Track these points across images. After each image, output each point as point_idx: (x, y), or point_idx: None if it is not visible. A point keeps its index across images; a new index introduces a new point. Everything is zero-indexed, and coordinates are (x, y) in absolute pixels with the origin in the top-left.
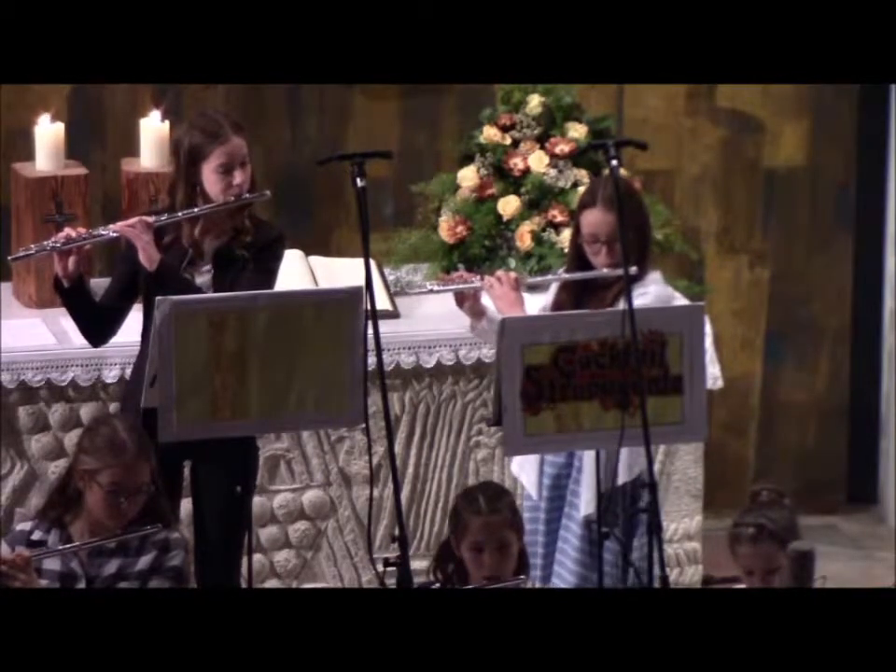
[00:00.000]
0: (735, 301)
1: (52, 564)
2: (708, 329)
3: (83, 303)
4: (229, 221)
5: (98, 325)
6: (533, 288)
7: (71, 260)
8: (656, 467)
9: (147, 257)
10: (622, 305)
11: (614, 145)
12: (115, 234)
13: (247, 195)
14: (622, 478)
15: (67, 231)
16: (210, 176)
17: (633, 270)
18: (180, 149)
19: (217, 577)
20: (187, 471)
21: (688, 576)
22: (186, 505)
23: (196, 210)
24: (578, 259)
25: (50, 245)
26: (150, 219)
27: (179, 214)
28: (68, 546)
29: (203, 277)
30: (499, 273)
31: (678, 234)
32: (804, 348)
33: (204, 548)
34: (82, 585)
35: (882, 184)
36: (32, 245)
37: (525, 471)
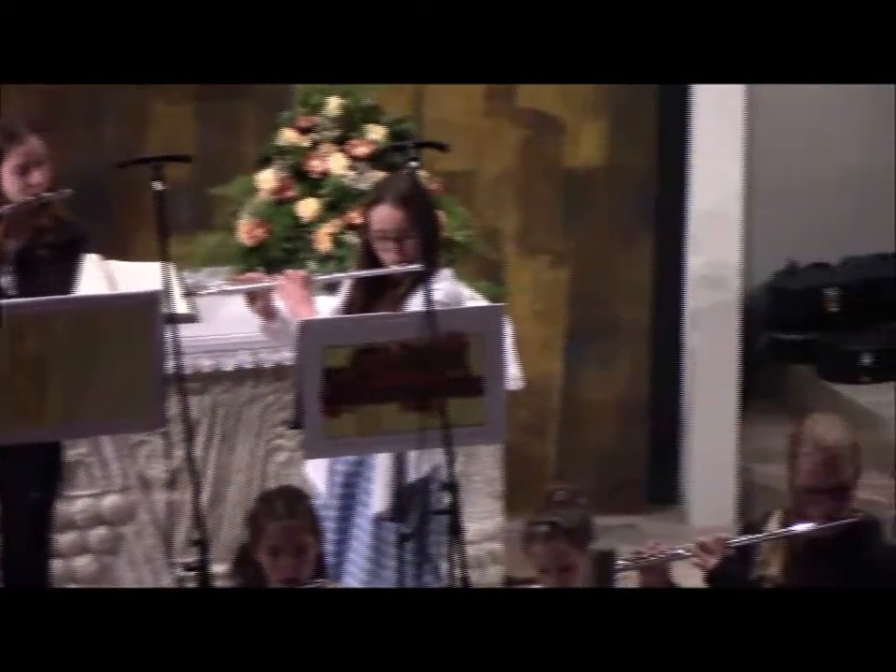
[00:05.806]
0: (535, 301)
1: None
2: (509, 329)
3: None
4: (30, 221)
5: None
6: (330, 289)
7: None
8: (457, 468)
9: None
10: (412, 302)
11: (414, 146)
12: None
13: (46, 194)
14: (412, 474)
15: None
16: (8, 177)
17: (420, 266)
18: None
19: (21, 578)
20: None
21: (489, 576)
22: None
23: None
24: (367, 256)
25: None
26: None
27: None
28: None
29: (5, 279)
30: (288, 271)
31: (478, 236)
32: (604, 348)
33: (9, 549)
34: None
35: (682, 184)
36: None
37: (318, 470)
